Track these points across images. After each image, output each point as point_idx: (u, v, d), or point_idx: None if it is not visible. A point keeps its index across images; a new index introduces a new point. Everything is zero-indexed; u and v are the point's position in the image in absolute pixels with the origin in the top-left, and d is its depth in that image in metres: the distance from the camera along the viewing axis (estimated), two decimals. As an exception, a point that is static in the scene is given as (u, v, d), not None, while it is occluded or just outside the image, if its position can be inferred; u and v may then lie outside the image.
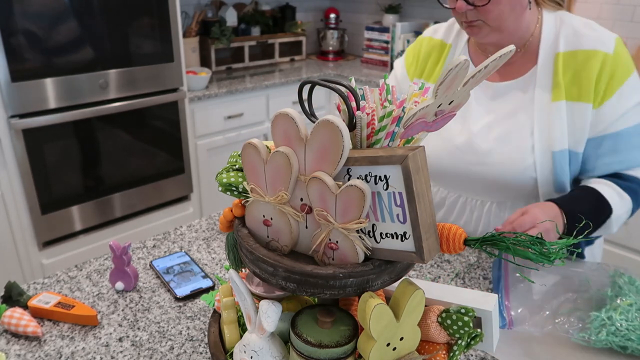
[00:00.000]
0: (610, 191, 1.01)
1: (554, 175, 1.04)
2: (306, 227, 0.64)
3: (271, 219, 0.65)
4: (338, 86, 0.60)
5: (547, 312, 0.88)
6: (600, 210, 1.00)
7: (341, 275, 0.58)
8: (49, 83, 1.95)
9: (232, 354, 0.70)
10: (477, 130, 1.09)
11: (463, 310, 0.63)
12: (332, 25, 3.50)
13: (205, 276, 1.01)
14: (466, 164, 1.11)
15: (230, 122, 2.66)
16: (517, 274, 0.98)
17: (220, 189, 0.70)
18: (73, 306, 0.89)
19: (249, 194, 0.66)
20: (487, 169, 1.08)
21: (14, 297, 0.91)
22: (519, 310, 0.89)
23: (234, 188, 0.69)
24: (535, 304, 0.90)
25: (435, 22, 2.99)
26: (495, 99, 1.09)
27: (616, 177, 1.04)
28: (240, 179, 0.69)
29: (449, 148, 1.12)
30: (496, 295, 0.69)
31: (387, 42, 3.16)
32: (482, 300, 0.68)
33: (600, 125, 1.01)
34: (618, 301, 0.86)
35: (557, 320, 0.86)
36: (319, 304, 0.71)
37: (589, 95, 1.00)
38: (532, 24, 1.06)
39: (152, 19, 2.17)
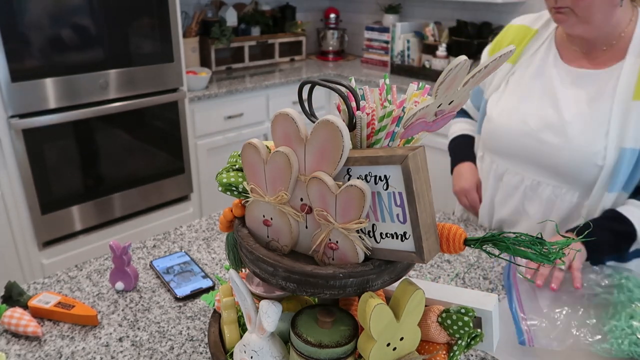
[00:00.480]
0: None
1: (615, 171, 1.03)
2: (306, 227, 0.64)
3: (271, 219, 0.65)
4: (338, 86, 0.60)
5: (560, 323, 0.86)
6: (621, 234, 1.03)
7: (341, 275, 0.58)
8: (49, 83, 1.95)
9: (232, 354, 0.70)
10: (561, 105, 1.09)
11: (463, 310, 0.63)
12: (332, 25, 3.50)
13: (205, 276, 1.01)
14: (537, 139, 1.11)
15: (230, 122, 2.66)
16: (519, 275, 0.98)
17: (220, 189, 0.70)
18: (73, 306, 0.89)
19: (249, 194, 0.66)
20: (557, 145, 1.08)
21: (14, 297, 0.91)
22: (535, 323, 0.88)
23: (234, 188, 0.69)
24: (546, 314, 0.89)
25: (436, 22, 3.01)
26: (577, 84, 1.09)
27: None
28: (240, 179, 0.69)
29: (522, 121, 1.13)
30: (496, 295, 0.69)
31: (387, 42, 3.16)
32: (482, 300, 0.68)
33: None
34: (633, 306, 0.84)
35: (576, 333, 0.84)
36: (319, 304, 0.71)
37: None
38: (623, 22, 1.04)
39: (152, 19, 2.17)
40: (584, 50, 1.10)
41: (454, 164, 1.38)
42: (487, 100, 1.24)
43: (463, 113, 1.44)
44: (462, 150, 1.37)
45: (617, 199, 1.06)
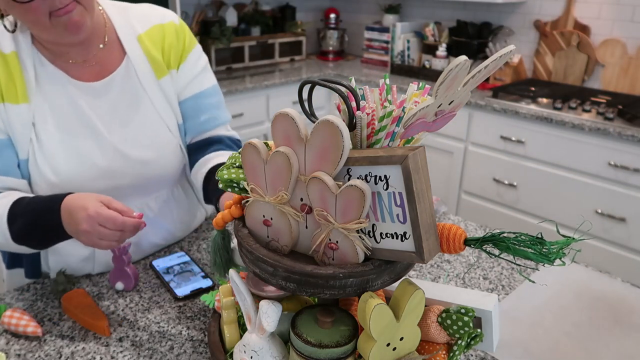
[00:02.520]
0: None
1: (184, 149, 1.08)
2: (306, 227, 0.64)
3: (271, 219, 0.65)
4: (338, 86, 0.60)
5: None
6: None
7: (341, 275, 0.58)
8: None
9: (232, 354, 0.70)
10: (116, 140, 0.97)
11: (463, 310, 0.63)
12: (332, 25, 3.50)
13: (205, 276, 1.01)
14: (112, 175, 0.98)
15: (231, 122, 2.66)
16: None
17: (220, 185, 0.70)
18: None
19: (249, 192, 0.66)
20: (146, 169, 1.01)
21: (67, 288, 0.96)
22: None
23: (234, 184, 0.69)
24: None
25: (436, 22, 3.01)
26: (101, 100, 0.97)
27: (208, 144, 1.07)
28: (241, 176, 0.69)
29: (96, 169, 0.96)
30: (496, 295, 0.69)
31: (387, 42, 3.16)
32: (482, 300, 0.68)
33: (181, 89, 1.05)
34: None
35: None
36: (319, 304, 0.71)
37: (173, 63, 1.04)
38: (100, 14, 0.98)
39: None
40: (81, 58, 0.95)
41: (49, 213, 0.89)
42: (25, 161, 0.93)
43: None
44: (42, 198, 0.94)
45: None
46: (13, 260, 1.07)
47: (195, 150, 1.08)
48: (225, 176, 0.70)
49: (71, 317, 0.90)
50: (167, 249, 1.13)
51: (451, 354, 0.65)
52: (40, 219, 0.86)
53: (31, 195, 0.92)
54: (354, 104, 0.60)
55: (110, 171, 0.96)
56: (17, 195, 0.90)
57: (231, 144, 1.11)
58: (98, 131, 0.95)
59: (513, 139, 2.31)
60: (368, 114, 0.59)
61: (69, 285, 0.96)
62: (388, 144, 0.62)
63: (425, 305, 0.63)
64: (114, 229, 0.80)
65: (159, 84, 1.01)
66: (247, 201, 0.68)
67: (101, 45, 0.97)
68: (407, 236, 0.57)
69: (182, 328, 0.88)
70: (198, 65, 1.07)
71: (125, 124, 0.98)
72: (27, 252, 0.94)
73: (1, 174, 0.90)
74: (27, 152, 0.92)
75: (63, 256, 1.01)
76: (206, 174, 1.02)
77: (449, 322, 0.64)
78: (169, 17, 1.05)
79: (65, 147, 0.93)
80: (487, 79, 2.71)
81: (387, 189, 0.57)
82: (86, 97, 0.95)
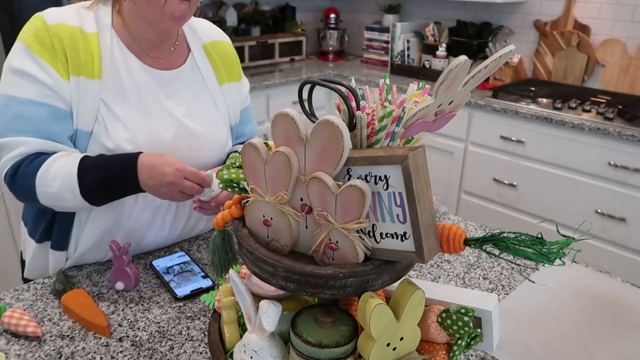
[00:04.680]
0: None
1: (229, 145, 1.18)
2: (306, 227, 0.64)
3: (271, 219, 0.65)
4: (338, 86, 0.60)
5: None
6: None
7: (341, 275, 0.58)
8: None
9: (232, 354, 0.70)
10: (181, 115, 1.06)
11: (463, 310, 0.63)
12: (332, 25, 3.50)
13: (205, 276, 1.01)
14: (182, 152, 1.05)
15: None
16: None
17: (220, 185, 0.70)
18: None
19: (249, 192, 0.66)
20: (200, 150, 1.09)
21: (67, 288, 0.96)
22: None
23: (235, 184, 0.69)
24: None
25: (436, 22, 3.01)
26: (169, 86, 1.07)
27: None
28: (241, 176, 0.69)
29: (164, 141, 1.04)
30: (496, 295, 0.69)
31: (387, 42, 3.16)
32: (482, 300, 0.68)
33: (244, 99, 1.21)
34: None
35: None
36: (319, 304, 0.71)
37: (234, 74, 1.18)
38: None
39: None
40: (154, 54, 1.06)
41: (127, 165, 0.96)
42: (87, 133, 0.98)
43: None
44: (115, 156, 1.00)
45: None
46: (44, 234, 1.09)
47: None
48: (225, 176, 0.70)
49: (71, 317, 0.90)
50: (167, 249, 1.13)
51: (451, 354, 0.65)
52: (116, 174, 0.93)
53: (92, 155, 0.99)
54: (354, 104, 0.60)
55: (174, 143, 1.05)
56: (78, 154, 0.97)
57: None
58: (167, 110, 1.05)
59: (513, 139, 2.31)
60: (368, 114, 0.59)
61: (69, 285, 0.96)
62: (388, 144, 0.62)
63: (425, 305, 0.63)
64: (196, 181, 0.94)
65: (220, 89, 1.14)
66: (247, 201, 0.68)
67: (172, 49, 1.08)
68: (407, 236, 0.57)
69: (182, 328, 0.88)
70: (246, 83, 1.23)
71: (189, 106, 1.08)
72: (80, 208, 1.00)
73: (58, 141, 0.96)
74: (92, 125, 0.98)
75: (94, 227, 1.04)
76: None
77: (449, 322, 0.64)
78: (224, 37, 1.19)
79: (139, 120, 1.01)
80: (487, 79, 2.71)
81: (387, 189, 0.57)
82: (156, 81, 1.05)
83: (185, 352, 0.82)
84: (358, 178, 0.58)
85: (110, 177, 0.93)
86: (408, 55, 3.05)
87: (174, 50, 1.09)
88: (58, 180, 0.93)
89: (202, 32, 1.15)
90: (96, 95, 0.97)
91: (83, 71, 0.96)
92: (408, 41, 3.02)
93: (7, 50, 1.81)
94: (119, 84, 1.00)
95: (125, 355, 0.82)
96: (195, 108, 1.09)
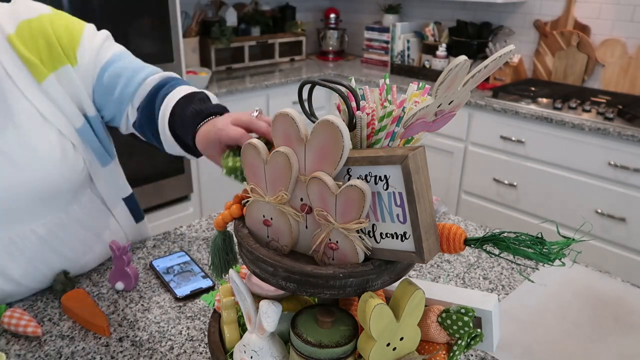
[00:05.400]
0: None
1: (98, 146, 0.98)
2: (306, 227, 0.64)
3: (271, 219, 0.65)
4: (338, 86, 0.60)
5: None
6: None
7: (341, 275, 0.58)
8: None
9: (232, 354, 0.70)
10: None
11: (463, 310, 0.63)
12: (332, 25, 3.50)
13: (205, 276, 1.01)
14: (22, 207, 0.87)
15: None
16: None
17: (224, 171, 0.70)
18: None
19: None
20: (39, 192, 0.89)
21: (67, 288, 0.95)
22: None
23: (239, 173, 0.69)
24: None
25: (436, 22, 3.01)
26: None
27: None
28: None
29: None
30: (496, 295, 0.69)
31: (387, 42, 3.16)
32: (482, 300, 0.68)
33: (89, 74, 0.95)
34: None
35: None
36: (319, 304, 0.71)
37: (61, 58, 0.91)
38: None
39: (152, 19, 2.17)
40: None
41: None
42: None
43: None
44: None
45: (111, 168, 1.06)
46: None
47: (146, 114, 0.97)
48: (230, 164, 0.70)
49: (71, 317, 0.90)
50: (166, 249, 1.13)
51: (451, 354, 0.65)
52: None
53: None
54: (354, 104, 0.60)
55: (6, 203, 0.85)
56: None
57: (176, 79, 0.99)
58: None
59: (513, 139, 2.31)
60: (368, 114, 0.59)
61: (69, 286, 0.96)
62: (388, 144, 0.62)
63: (425, 305, 0.63)
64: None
65: (41, 88, 0.89)
66: (247, 201, 0.68)
67: None
68: (407, 236, 0.57)
69: (182, 328, 0.88)
70: (95, 41, 0.95)
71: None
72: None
73: None
74: None
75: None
76: (169, 117, 0.91)
77: (449, 322, 0.64)
78: (38, 10, 0.91)
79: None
80: (487, 79, 2.71)
81: (387, 189, 0.57)
82: None
83: (185, 352, 0.82)
84: (358, 178, 0.58)
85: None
86: (408, 55, 3.05)
87: None
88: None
89: (5, 18, 0.89)
90: None
91: None
92: (408, 41, 3.02)
93: None
94: None
95: (125, 355, 0.82)
96: (8, 140, 0.84)
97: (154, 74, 0.99)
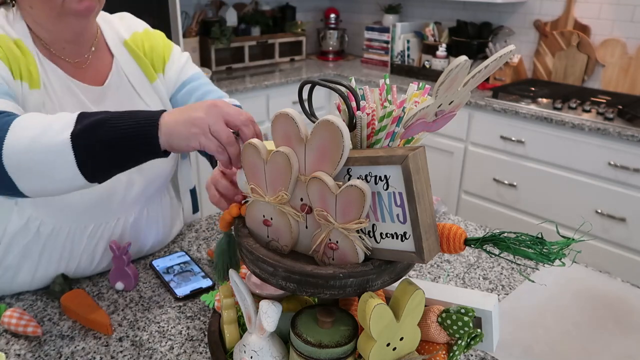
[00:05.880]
0: None
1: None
2: (306, 227, 0.64)
3: (271, 219, 0.65)
4: (338, 86, 0.60)
5: None
6: None
7: (341, 275, 0.58)
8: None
9: (232, 354, 0.70)
10: None
11: (463, 310, 0.63)
12: (332, 25, 3.50)
13: (205, 276, 1.01)
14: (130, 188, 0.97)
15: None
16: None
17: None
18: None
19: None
20: (141, 175, 0.98)
21: (65, 289, 0.95)
22: None
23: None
24: None
25: (436, 22, 3.01)
26: (103, 103, 0.96)
27: None
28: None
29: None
30: (496, 295, 0.69)
31: (387, 42, 3.16)
32: (482, 300, 0.68)
33: (170, 86, 1.07)
34: None
35: None
36: (319, 304, 0.71)
37: (159, 66, 1.06)
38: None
39: (152, 19, 2.16)
40: (74, 58, 0.94)
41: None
42: None
43: None
44: None
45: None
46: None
47: None
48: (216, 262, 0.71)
49: (72, 317, 0.90)
50: (166, 249, 1.13)
51: (451, 354, 0.65)
52: (131, 116, 0.69)
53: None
54: (354, 104, 0.60)
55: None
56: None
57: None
58: None
59: (513, 139, 2.31)
60: (368, 114, 0.59)
61: (67, 287, 0.96)
62: (388, 144, 0.62)
63: (425, 305, 0.63)
64: (237, 123, 0.67)
65: (152, 88, 1.03)
66: (247, 201, 0.68)
67: (93, 48, 0.97)
68: (407, 236, 0.57)
69: (182, 328, 0.88)
70: (181, 60, 1.09)
71: None
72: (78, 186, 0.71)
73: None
74: None
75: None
76: None
77: (449, 322, 0.64)
78: (144, 25, 1.08)
79: None
80: (487, 79, 2.71)
81: (387, 189, 0.57)
82: (89, 98, 0.95)
83: (185, 352, 0.82)
84: (358, 178, 0.58)
85: (121, 117, 0.69)
86: (408, 55, 3.05)
87: (95, 51, 0.97)
88: (39, 126, 0.67)
89: (120, 27, 1.03)
90: (39, 105, 0.86)
91: (24, 77, 0.85)
92: (408, 41, 3.02)
93: None
94: (56, 98, 0.89)
95: (125, 355, 0.82)
96: None
97: (221, 98, 1.10)
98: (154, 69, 1.04)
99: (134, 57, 1.02)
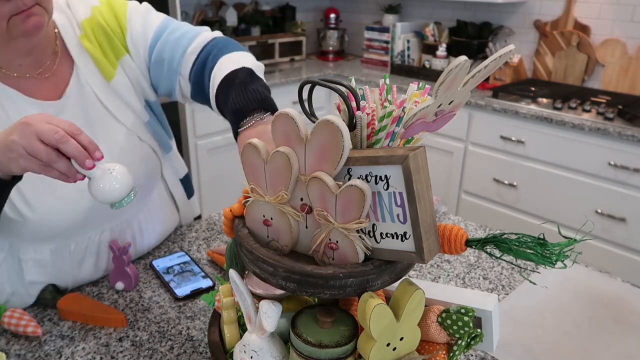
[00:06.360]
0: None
1: (162, 134, 1.06)
2: (306, 227, 0.64)
3: (271, 219, 0.65)
4: (338, 86, 0.60)
5: None
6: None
7: (341, 275, 0.58)
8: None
9: (232, 354, 0.70)
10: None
11: (463, 310, 0.63)
12: (332, 25, 3.50)
13: (205, 276, 1.01)
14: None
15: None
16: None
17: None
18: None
19: None
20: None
21: (57, 298, 0.93)
22: None
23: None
24: None
25: (436, 22, 3.01)
26: (62, 116, 0.88)
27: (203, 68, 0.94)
28: None
29: (80, 209, 0.91)
30: (496, 295, 0.69)
31: (387, 42, 3.16)
32: (482, 300, 0.68)
33: (142, 60, 0.98)
34: None
35: None
36: (319, 304, 0.71)
37: (120, 48, 0.95)
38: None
39: (152, 19, 2.17)
40: (35, 70, 0.87)
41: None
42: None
43: None
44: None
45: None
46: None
47: (196, 88, 0.97)
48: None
49: (74, 319, 0.89)
50: (166, 249, 1.13)
51: (451, 354, 0.65)
52: None
53: None
54: (354, 104, 0.60)
55: (86, 196, 0.84)
56: None
57: (223, 42, 0.97)
58: None
59: (513, 139, 2.31)
60: (368, 114, 0.59)
61: (58, 296, 0.93)
62: (388, 144, 0.62)
63: (425, 305, 0.63)
64: (52, 142, 0.64)
65: (109, 87, 0.94)
66: (247, 201, 0.68)
67: (54, 54, 0.90)
68: (407, 236, 0.57)
69: (182, 328, 0.88)
70: (138, 19, 0.97)
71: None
72: None
73: None
74: None
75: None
76: (215, 103, 0.91)
77: (449, 322, 0.64)
78: (89, 4, 0.94)
79: (38, 183, 0.84)
80: (487, 79, 2.71)
81: (387, 189, 0.57)
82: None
83: (185, 352, 0.82)
84: (358, 178, 0.58)
85: None
86: (408, 55, 3.05)
87: (55, 56, 0.90)
88: None
89: (78, 7, 0.92)
90: None
91: None
92: (408, 41, 3.02)
93: None
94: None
95: (125, 355, 0.82)
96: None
97: (193, 42, 0.96)
98: (114, 60, 0.94)
99: (91, 55, 0.92)
